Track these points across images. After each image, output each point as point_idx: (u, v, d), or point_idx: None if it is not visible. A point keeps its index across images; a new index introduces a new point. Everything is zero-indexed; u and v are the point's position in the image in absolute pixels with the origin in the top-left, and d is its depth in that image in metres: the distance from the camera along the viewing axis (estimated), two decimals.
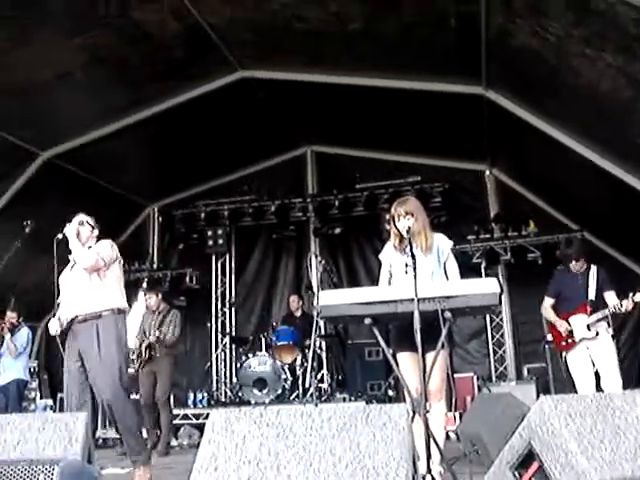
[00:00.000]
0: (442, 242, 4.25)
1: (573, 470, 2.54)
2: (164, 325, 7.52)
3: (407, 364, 4.01)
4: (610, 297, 5.93)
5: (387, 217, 6.59)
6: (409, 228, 3.99)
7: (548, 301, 6.33)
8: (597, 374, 5.92)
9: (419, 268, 3.80)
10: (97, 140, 8.55)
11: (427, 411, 3.50)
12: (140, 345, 7.44)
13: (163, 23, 6.68)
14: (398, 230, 4.17)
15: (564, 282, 6.24)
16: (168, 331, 7.47)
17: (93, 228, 5.03)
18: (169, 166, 10.09)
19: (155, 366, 7.46)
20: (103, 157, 9.01)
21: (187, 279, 10.67)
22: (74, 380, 4.62)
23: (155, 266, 11.14)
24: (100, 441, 8.40)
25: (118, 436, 7.55)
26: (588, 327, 5.91)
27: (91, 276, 4.73)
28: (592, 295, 5.99)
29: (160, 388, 7.43)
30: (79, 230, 4.90)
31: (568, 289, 6.16)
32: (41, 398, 9.90)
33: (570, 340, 6.03)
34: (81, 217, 5.03)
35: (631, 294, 5.72)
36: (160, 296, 7.95)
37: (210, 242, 10.78)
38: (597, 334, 5.88)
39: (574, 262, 6.14)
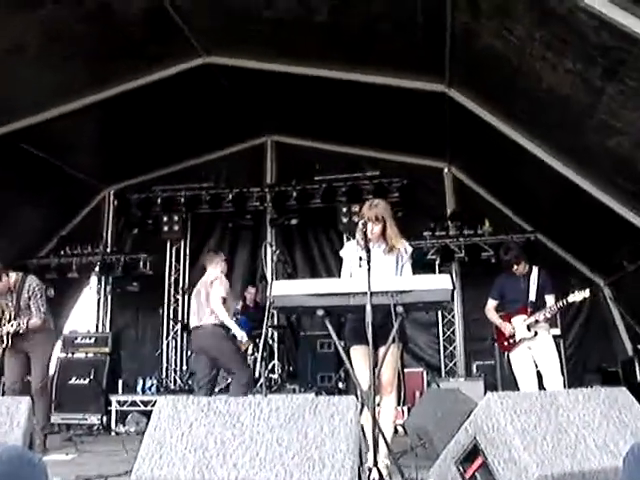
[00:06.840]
0: (405, 247, 4.34)
1: (516, 465, 2.58)
2: (21, 310, 6.12)
3: (360, 357, 4.04)
4: (549, 301, 6.09)
5: (356, 210, 8.17)
6: (375, 231, 4.13)
7: (491, 303, 6.45)
8: (540, 373, 6.05)
9: (382, 266, 3.86)
10: (53, 119, 8.29)
11: (377, 404, 3.53)
12: None
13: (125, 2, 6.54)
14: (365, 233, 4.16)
15: (507, 285, 6.37)
16: (31, 315, 6.07)
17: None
18: (126, 149, 9.91)
19: (26, 344, 6.12)
20: (59, 137, 8.78)
21: (141, 264, 10.54)
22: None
23: (109, 250, 10.97)
24: None
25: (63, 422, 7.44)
26: (528, 328, 6.05)
27: None
28: (533, 297, 6.13)
29: (35, 372, 6.14)
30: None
31: (511, 292, 6.29)
32: None
33: (512, 340, 6.15)
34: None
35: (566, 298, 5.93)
36: (11, 275, 6.25)
37: (165, 228, 10.69)
38: (536, 334, 6.01)
39: (515, 266, 6.27)
